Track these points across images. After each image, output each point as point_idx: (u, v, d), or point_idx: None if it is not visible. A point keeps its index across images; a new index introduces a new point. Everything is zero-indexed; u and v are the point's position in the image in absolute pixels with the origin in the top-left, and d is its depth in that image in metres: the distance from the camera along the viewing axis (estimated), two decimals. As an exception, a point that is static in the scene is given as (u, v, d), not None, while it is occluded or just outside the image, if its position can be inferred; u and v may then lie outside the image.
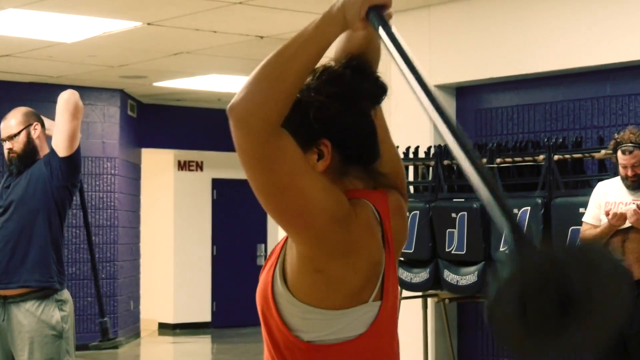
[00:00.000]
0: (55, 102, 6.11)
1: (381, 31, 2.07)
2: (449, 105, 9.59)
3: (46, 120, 5.98)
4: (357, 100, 2.22)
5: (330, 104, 2.20)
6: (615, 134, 7.21)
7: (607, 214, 7.01)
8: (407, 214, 8.71)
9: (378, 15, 2.06)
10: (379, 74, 2.26)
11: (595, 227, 7.27)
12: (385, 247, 2.22)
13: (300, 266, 2.16)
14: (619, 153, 7.06)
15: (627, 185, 7.16)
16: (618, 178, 7.23)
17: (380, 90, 2.21)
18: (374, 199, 2.25)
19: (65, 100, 5.68)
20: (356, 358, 2.22)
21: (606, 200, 7.27)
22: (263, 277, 2.26)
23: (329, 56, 2.28)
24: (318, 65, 2.23)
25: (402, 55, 2.06)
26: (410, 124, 7.90)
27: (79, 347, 6.03)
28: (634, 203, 7.09)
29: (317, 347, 2.19)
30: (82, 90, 13.77)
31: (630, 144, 7.05)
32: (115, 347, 6.63)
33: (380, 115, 2.35)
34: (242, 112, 2.00)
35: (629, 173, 7.05)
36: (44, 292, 5.72)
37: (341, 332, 2.20)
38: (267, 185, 2.07)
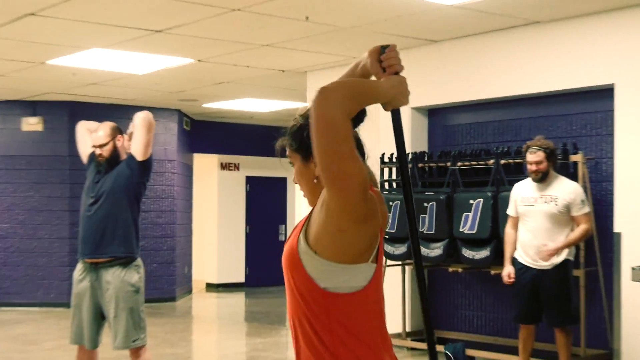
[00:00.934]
0: (129, 119, 6.48)
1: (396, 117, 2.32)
2: (423, 122, 9.55)
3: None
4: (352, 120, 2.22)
5: None
6: (529, 142, 7.18)
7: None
8: (391, 203, 8.61)
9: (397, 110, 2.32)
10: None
11: (514, 218, 7.26)
12: (381, 227, 2.31)
13: (327, 226, 2.19)
14: (527, 154, 7.15)
15: (534, 179, 7.16)
16: (529, 179, 7.20)
17: (363, 117, 2.29)
18: (371, 190, 2.29)
19: (143, 118, 5.95)
20: (358, 306, 2.23)
21: (522, 197, 7.27)
22: (288, 244, 2.33)
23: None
24: None
25: (399, 130, 2.32)
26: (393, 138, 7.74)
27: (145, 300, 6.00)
28: (541, 197, 7.08)
29: (331, 294, 2.22)
30: (151, 110, 13.65)
31: (535, 147, 7.01)
32: None
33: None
34: (336, 98, 2.10)
35: (533, 168, 7.05)
36: (126, 260, 5.92)
37: (347, 283, 2.22)
38: (334, 150, 2.08)
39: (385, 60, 2.28)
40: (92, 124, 6.27)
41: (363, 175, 2.15)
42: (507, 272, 7.26)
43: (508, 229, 7.39)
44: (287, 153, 2.41)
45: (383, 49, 2.32)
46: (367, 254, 2.24)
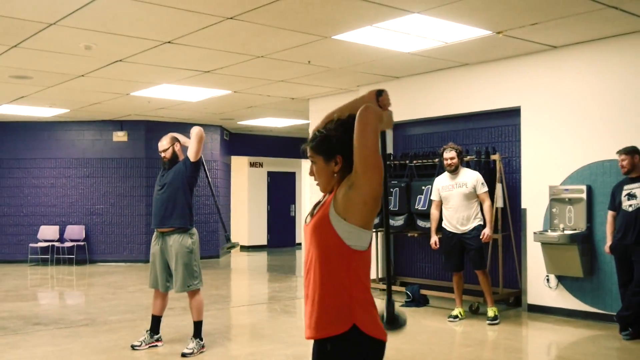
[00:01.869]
0: (186, 133, 6.30)
1: (382, 138, 2.36)
2: (389, 133, 9.49)
3: (182, 137, 6.02)
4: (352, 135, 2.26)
5: (340, 136, 2.30)
6: (444, 146, 7.24)
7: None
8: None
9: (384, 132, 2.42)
10: None
11: (437, 202, 7.23)
12: None
13: (356, 201, 2.19)
14: (444, 153, 7.15)
15: (449, 171, 7.13)
16: (445, 174, 7.26)
17: None
18: None
19: (196, 133, 5.90)
20: (364, 260, 2.26)
21: (442, 185, 7.22)
22: (317, 217, 2.29)
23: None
24: (335, 117, 2.39)
25: (384, 146, 2.36)
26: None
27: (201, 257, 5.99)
28: (456, 184, 7.06)
29: (353, 250, 2.21)
30: (200, 125, 13.58)
31: (449, 147, 7.11)
32: (233, 246, 6.66)
33: None
34: (376, 121, 2.20)
35: (448, 162, 7.07)
36: (182, 229, 5.83)
37: (362, 243, 2.23)
38: (372, 146, 2.17)
39: (381, 101, 2.34)
40: (180, 137, 6.22)
41: (383, 171, 2.21)
42: (434, 240, 7.26)
43: (433, 210, 7.30)
44: (310, 154, 2.36)
45: (379, 93, 2.37)
46: (371, 223, 2.25)
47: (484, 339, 6.50)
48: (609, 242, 6.49)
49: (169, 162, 5.92)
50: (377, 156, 2.18)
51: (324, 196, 2.39)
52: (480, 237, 7.01)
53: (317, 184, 2.39)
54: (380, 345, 2.24)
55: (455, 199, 7.07)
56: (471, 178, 7.07)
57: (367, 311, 2.22)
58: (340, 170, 2.28)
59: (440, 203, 7.25)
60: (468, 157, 8.05)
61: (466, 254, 7.14)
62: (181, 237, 5.77)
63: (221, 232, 14.23)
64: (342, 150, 2.26)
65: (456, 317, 7.19)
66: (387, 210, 2.36)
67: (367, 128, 2.16)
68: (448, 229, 7.18)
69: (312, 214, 2.37)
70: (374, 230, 9.12)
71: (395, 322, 2.39)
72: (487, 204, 7.04)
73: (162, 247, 5.84)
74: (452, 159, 7.05)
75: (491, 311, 7.04)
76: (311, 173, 2.40)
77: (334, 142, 2.26)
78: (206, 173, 6.31)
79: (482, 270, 7.13)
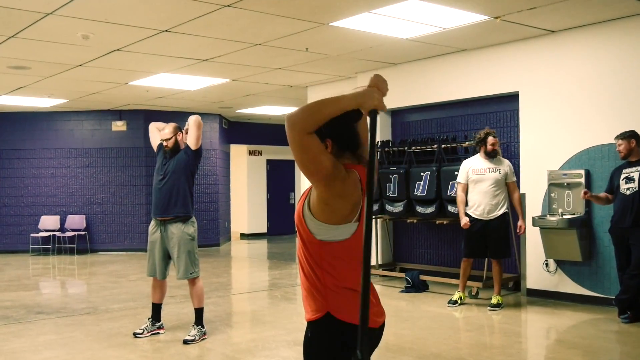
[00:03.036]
0: (185, 120, 6.35)
1: (371, 118, 2.11)
2: (388, 120, 9.68)
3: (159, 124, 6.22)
4: (344, 119, 2.14)
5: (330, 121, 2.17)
6: (486, 129, 7.13)
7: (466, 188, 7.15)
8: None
9: (374, 113, 2.10)
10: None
11: (464, 185, 7.09)
12: (363, 194, 2.22)
13: (318, 201, 2.17)
14: (489, 137, 7.05)
15: (490, 156, 7.05)
16: (477, 155, 7.14)
17: (357, 116, 2.18)
18: (358, 169, 2.26)
19: (194, 120, 5.95)
20: (341, 251, 2.20)
21: (473, 168, 7.11)
22: (298, 207, 2.30)
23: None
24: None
25: (372, 130, 2.08)
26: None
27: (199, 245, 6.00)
28: (489, 168, 7.01)
29: (324, 243, 2.19)
30: (200, 115, 13.55)
31: (494, 133, 7.10)
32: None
33: (363, 127, 2.36)
34: (294, 123, 2.03)
35: (492, 148, 7.01)
36: (185, 217, 5.87)
37: (337, 236, 2.19)
38: (303, 157, 2.07)
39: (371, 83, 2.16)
40: (160, 124, 6.23)
41: (327, 168, 2.08)
42: (465, 221, 7.03)
43: (460, 192, 7.15)
44: None
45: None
46: (350, 216, 2.18)
47: (483, 324, 6.53)
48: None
49: (170, 151, 5.91)
50: (310, 165, 2.08)
51: None
52: (518, 230, 7.06)
53: None
54: (356, 328, 2.29)
55: (487, 183, 6.99)
56: (504, 164, 7.09)
57: (343, 297, 2.22)
58: (333, 152, 2.23)
59: (466, 187, 7.16)
60: (467, 142, 8.08)
61: (489, 241, 7.04)
62: (184, 226, 5.78)
63: (221, 220, 14.28)
64: (332, 134, 2.21)
65: (455, 302, 7.22)
66: (370, 211, 2.15)
67: (290, 144, 2.06)
68: (474, 215, 7.08)
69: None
70: (374, 217, 9.08)
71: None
72: (516, 195, 7.05)
73: (163, 235, 5.83)
74: (494, 144, 7.03)
75: (495, 299, 7.07)
76: None
77: (322, 127, 2.13)
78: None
79: (499, 260, 7.13)
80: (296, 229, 2.30)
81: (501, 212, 7.01)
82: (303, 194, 2.33)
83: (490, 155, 7.05)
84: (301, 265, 2.29)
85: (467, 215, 7.13)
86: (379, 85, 2.15)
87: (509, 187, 7.06)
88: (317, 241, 2.20)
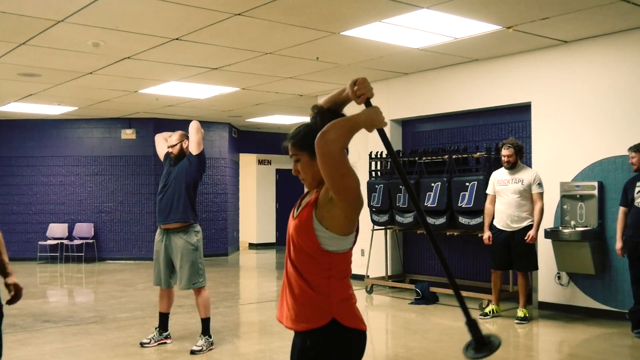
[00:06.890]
0: None
1: (381, 135, 2.26)
2: (398, 129, 9.62)
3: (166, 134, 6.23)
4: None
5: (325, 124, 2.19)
6: (504, 141, 7.13)
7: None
8: (377, 186, 8.41)
9: (381, 130, 2.24)
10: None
11: (492, 196, 7.13)
12: None
13: (338, 214, 2.18)
14: (502, 149, 7.05)
15: (506, 168, 7.04)
16: (502, 168, 7.13)
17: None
18: None
19: (192, 125, 6.00)
20: (344, 260, 2.27)
21: (497, 179, 7.14)
22: (299, 220, 2.28)
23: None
24: (321, 106, 2.33)
25: (387, 143, 2.29)
26: (379, 140, 7.73)
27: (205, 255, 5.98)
28: (512, 180, 6.99)
29: (331, 253, 2.22)
30: (209, 124, 13.90)
31: (507, 144, 6.99)
32: None
33: None
34: (336, 139, 2.05)
35: (505, 160, 6.99)
36: (187, 226, 5.83)
37: (344, 246, 2.25)
38: (337, 173, 2.08)
39: (357, 90, 2.20)
40: (166, 134, 6.27)
41: (357, 183, 2.13)
42: (488, 235, 7.06)
43: (487, 204, 7.17)
44: (292, 152, 2.31)
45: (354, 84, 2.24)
46: (352, 228, 2.24)
47: (494, 337, 6.48)
48: (619, 241, 6.42)
49: (175, 158, 5.95)
50: (343, 181, 2.10)
51: (309, 191, 2.37)
52: (525, 238, 6.88)
53: (303, 181, 2.35)
54: (361, 335, 2.28)
55: (509, 194, 6.97)
56: (528, 176, 6.97)
57: (346, 304, 2.26)
58: None
59: (494, 198, 7.15)
60: (478, 153, 8.04)
61: (514, 253, 7.00)
62: (186, 235, 5.77)
63: (229, 230, 14.30)
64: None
65: (487, 314, 7.22)
66: (418, 208, 2.33)
67: (325, 159, 2.07)
68: (498, 225, 7.07)
69: (298, 207, 2.35)
70: (382, 227, 9.07)
71: (485, 347, 2.18)
72: (538, 206, 6.91)
73: (167, 244, 5.83)
74: (509, 156, 6.97)
75: (522, 312, 6.99)
76: (296, 172, 2.36)
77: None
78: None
79: (525, 273, 7.07)
80: (294, 241, 2.28)
81: (525, 223, 6.92)
82: (304, 207, 2.30)
83: (509, 167, 7.03)
84: (297, 277, 2.27)
85: (492, 226, 7.13)
86: (369, 94, 2.19)
87: (533, 198, 6.94)
88: (326, 252, 2.22)
